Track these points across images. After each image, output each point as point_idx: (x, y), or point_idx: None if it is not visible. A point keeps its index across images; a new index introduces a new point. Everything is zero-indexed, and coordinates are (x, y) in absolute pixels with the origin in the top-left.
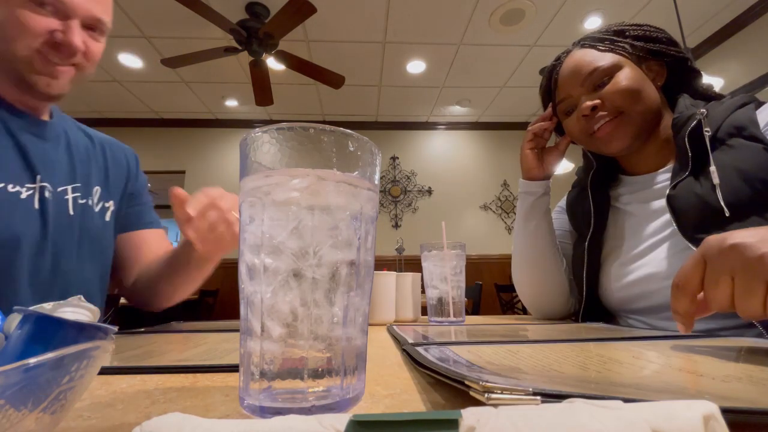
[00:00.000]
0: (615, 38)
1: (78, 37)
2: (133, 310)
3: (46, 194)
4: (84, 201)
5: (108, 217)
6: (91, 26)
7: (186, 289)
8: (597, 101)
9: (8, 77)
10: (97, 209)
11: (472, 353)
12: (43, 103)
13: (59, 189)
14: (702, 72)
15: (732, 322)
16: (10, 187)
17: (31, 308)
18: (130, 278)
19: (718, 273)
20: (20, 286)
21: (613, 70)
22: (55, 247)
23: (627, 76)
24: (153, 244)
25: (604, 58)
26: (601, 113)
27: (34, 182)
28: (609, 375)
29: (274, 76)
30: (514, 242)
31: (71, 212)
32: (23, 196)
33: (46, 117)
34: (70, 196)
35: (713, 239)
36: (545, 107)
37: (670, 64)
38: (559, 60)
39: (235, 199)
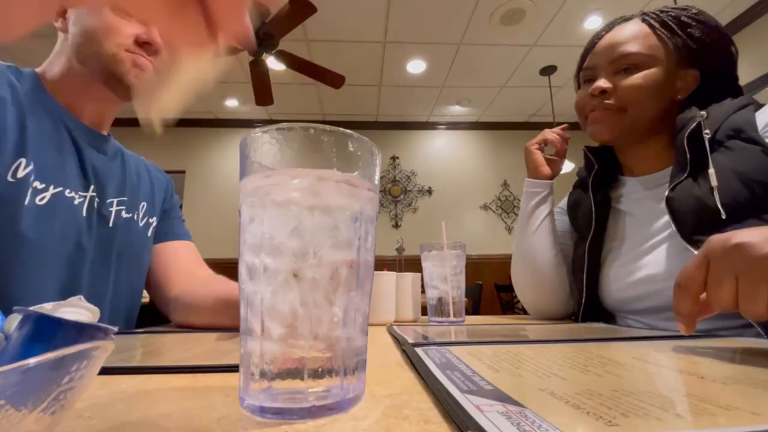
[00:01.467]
0: (676, 29)
1: (159, 37)
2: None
3: (95, 204)
4: (129, 215)
5: (150, 232)
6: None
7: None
8: (609, 86)
9: (95, 76)
10: (141, 224)
11: (472, 355)
12: (114, 112)
13: (107, 201)
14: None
15: (731, 323)
16: (67, 192)
17: (31, 308)
18: (169, 292)
19: (722, 273)
20: (49, 286)
21: (645, 65)
22: (93, 254)
23: (651, 78)
24: (184, 255)
25: (645, 45)
26: (607, 101)
27: (86, 191)
28: (610, 379)
29: (274, 75)
30: (516, 241)
31: (110, 224)
32: (76, 202)
33: (106, 131)
34: (114, 209)
35: (716, 239)
36: (579, 70)
37: (707, 77)
38: (612, 24)
39: None
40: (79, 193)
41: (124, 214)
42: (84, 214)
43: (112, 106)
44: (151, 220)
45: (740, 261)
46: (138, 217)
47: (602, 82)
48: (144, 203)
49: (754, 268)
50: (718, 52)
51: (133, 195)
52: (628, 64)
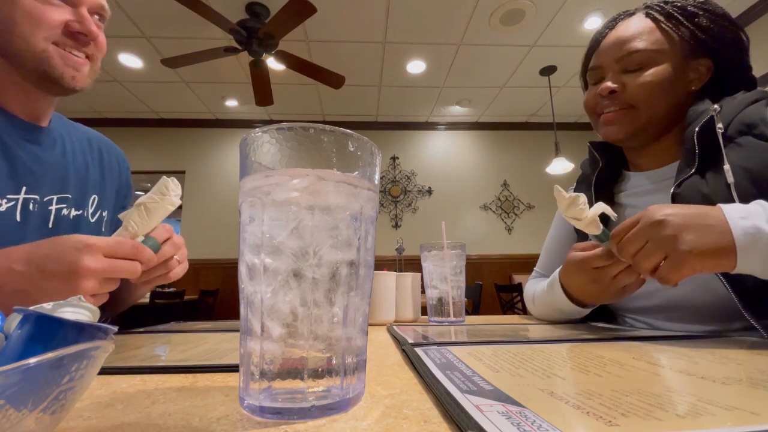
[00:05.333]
0: (682, 20)
1: (93, 23)
2: (133, 310)
3: (31, 206)
4: (79, 212)
5: (103, 227)
6: (96, 14)
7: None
8: (616, 86)
9: (25, 76)
10: (93, 220)
11: (472, 355)
12: (51, 104)
13: (45, 199)
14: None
15: (735, 325)
16: None
17: (31, 308)
18: None
19: (654, 251)
20: None
21: (651, 62)
22: None
23: (659, 74)
24: None
25: (651, 41)
26: (618, 101)
27: (17, 193)
28: (610, 379)
29: (274, 76)
30: (537, 300)
31: (50, 225)
32: (3, 208)
33: (45, 123)
34: (53, 207)
35: (653, 215)
36: (584, 69)
37: (720, 66)
38: (615, 21)
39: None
40: (8, 197)
41: (66, 212)
42: (18, 219)
43: (49, 100)
44: (104, 214)
45: (671, 245)
46: (88, 212)
47: (610, 83)
48: (95, 196)
49: (681, 254)
50: (728, 39)
51: (79, 188)
52: (635, 62)
